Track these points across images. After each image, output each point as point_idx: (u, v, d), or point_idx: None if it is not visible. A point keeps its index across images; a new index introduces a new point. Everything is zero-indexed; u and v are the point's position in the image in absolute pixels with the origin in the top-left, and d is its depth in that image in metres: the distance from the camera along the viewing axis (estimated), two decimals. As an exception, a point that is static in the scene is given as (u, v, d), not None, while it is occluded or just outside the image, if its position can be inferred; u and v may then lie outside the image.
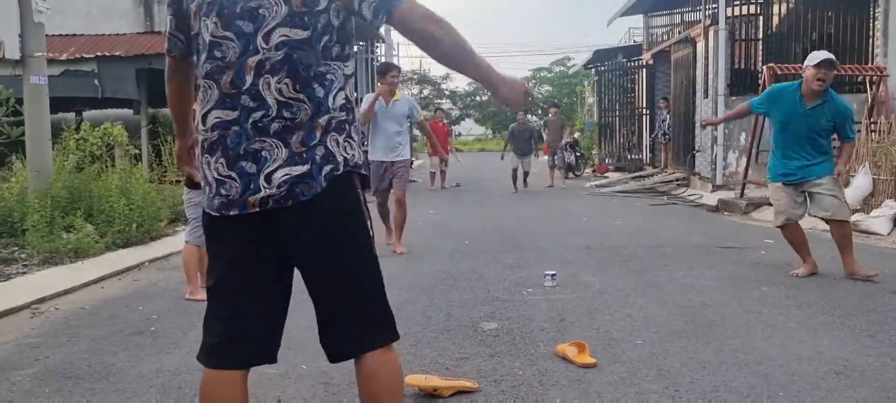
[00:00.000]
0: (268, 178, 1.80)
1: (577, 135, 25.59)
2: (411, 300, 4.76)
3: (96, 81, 12.68)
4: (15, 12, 7.36)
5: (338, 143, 1.85)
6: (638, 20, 20.99)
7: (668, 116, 16.60)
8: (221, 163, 1.85)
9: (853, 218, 7.99)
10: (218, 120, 1.85)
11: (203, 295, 4.59)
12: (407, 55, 74.92)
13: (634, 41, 23.50)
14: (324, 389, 3.09)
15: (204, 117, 1.89)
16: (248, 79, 1.81)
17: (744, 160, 11.59)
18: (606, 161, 20.32)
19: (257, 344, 1.93)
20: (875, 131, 9.24)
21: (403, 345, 3.24)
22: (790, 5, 13.73)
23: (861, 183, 8.33)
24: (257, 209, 1.82)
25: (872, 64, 11.85)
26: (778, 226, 5.60)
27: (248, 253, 1.89)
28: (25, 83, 7.44)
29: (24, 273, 5.64)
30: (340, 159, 1.85)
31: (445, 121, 16.86)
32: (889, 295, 4.78)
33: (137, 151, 10.67)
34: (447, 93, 56.13)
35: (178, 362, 3.53)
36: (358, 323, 1.90)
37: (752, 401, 2.90)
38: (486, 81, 1.93)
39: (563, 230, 8.52)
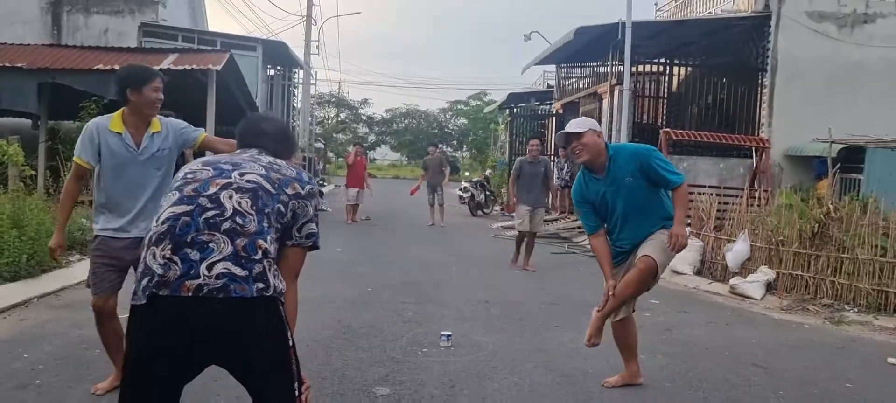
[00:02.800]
0: (209, 268, 1.97)
1: (488, 172, 26.19)
2: (309, 356, 4.84)
3: (-7, 92, 12.10)
4: None
5: (274, 274, 2.11)
6: (552, 66, 21.85)
7: (567, 165, 17.29)
8: (168, 249, 2.00)
9: (731, 281, 8.65)
10: (171, 214, 2.04)
11: None
12: (325, 79, 74.48)
13: (548, 85, 24.37)
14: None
15: (159, 217, 2.08)
16: (212, 190, 2.07)
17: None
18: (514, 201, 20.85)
19: None
20: (755, 199, 10.00)
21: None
22: (688, 70, 14.69)
23: (740, 248, 8.99)
24: (190, 294, 1.96)
25: (758, 134, 12.84)
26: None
27: (160, 347, 2.03)
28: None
29: None
30: (272, 285, 2.10)
31: (362, 156, 16.93)
32: (751, 367, 5.23)
33: (33, 172, 10.25)
34: (364, 117, 56.22)
35: (62, 424, 3.50)
36: None
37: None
38: None
39: (465, 280, 8.77)
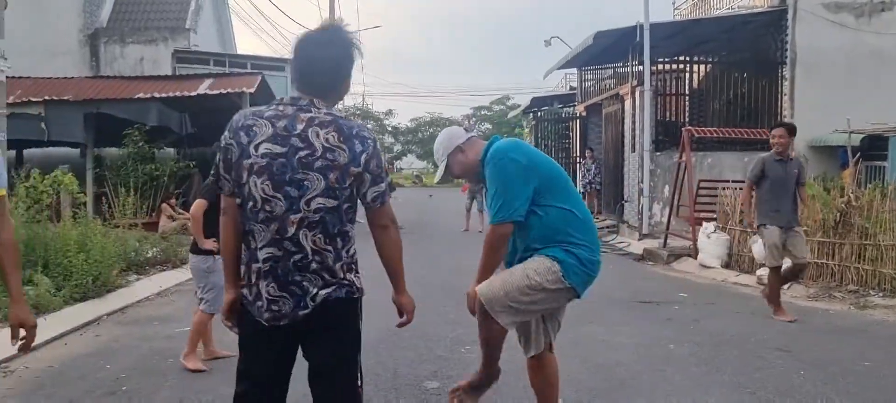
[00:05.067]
0: (313, 298, 2.44)
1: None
2: (363, 355, 5.25)
3: (43, 125, 12.78)
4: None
5: (355, 278, 2.54)
6: (574, 69, 22.14)
7: (593, 166, 17.60)
8: (273, 286, 2.44)
9: (758, 272, 8.92)
10: (269, 255, 2.43)
11: (198, 366, 5.00)
12: (349, 93, 75.22)
13: (571, 88, 24.66)
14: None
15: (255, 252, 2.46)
16: (291, 230, 2.41)
17: (667, 211, 12.51)
18: (542, 204, 21.17)
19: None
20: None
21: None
22: (707, 67, 14.92)
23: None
24: (301, 317, 2.45)
25: (780, 126, 13.03)
26: None
27: (272, 369, 2.55)
28: (-16, 139, 7.67)
29: (-12, 330, 5.89)
30: (357, 287, 2.54)
31: (388, 165, 17.39)
32: (775, 351, 5.54)
33: (85, 200, 10.86)
34: (390, 128, 56.85)
35: (153, 423, 3.95)
36: None
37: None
38: (400, 281, 2.72)
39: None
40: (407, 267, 2.70)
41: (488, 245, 3.28)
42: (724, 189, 11.03)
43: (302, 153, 2.37)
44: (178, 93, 13.33)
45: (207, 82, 14.08)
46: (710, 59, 14.99)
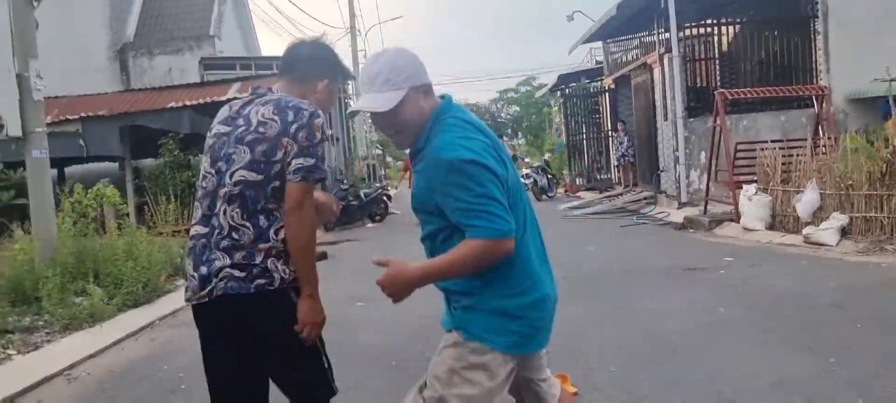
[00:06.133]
0: (217, 275, 2.32)
1: (546, 155, 26.41)
2: (408, 343, 5.29)
3: (81, 141, 13.07)
4: (14, 90, 7.80)
5: (276, 266, 2.31)
6: (599, 42, 21.89)
7: (626, 139, 17.42)
8: (190, 263, 2.40)
9: (804, 231, 8.76)
10: (196, 232, 2.40)
11: None
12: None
13: (596, 61, 24.38)
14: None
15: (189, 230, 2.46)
16: (217, 205, 2.35)
17: (705, 177, 12.34)
18: (577, 181, 21.09)
19: None
20: (818, 147, 10.01)
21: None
22: (736, 28, 14.63)
23: (809, 197, 9.07)
24: (206, 299, 2.34)
25: (816, 82, 12.74)
26: None
27: (209, 337, 2.47)
28: (28, 157, 7.87)
29: (49, 340, 6.07)
30: (277, 278, 2.30)
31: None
32: (828, 308, 5.45)
33: (128, 211, 11.09)
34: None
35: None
36: None
37: (708, 416, 3.51)
38: (305, 282, 2.34)
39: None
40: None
41: (469, 255, 2.05)
42: (762, 150, 10.83)
43: (239, 130, 2.36)
44: (208, 100, 13.52)
45: (235, 86, 14.27)
46: (739, 20, 14.69)
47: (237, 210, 2.29)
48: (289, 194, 2.28)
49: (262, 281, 2.29)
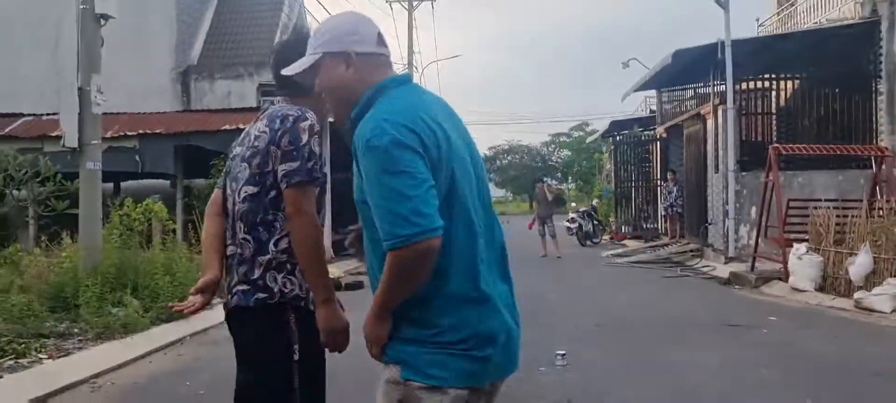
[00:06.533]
0: (231, 287, 2.38)
1: (595, 201, 26.11)
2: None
3: (137, 157, 13.48)
4: (75, 103, 8.10)
5: (276, 279, 2.30)
6: (653, 91, 21.68)
7: (675, 188, 17.09)
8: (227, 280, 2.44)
9: (855, 295, 8.38)
10: (228, 252, 2.43)
11: None
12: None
13: (650, 110, 24.14)
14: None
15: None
16: (232, 224, 2.40)
17: (755, 233, 11.96)
18: (624, 229, 20.75)
19: None
20: (875, 210, 9.61)
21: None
22: (795, 84, 14.29)
23: (863, 260, 8.68)
24: (225, 311, 2.42)
25: (876, 142, 12.31)
26: None
27: (234, 345, 2.46)
28: (82, 168, 8.15)
29: (81, 348, 6.18)
30: (277, 291, 2.30)
31: None
32: (872, 377, 5.15)
33: (175, 227, 11.33)
34: (467, 157, 57.10)
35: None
36: None
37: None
38: (315, 290, 2.26)
39: (577, 305, 8.96)
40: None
41: (395, 270, 1.73)
42: (815, 208, 10.46)
43: (243, 148, 2.41)
44: (261, 124, 13.78)
45: (289, 113, 14.53)
46: (798, 76, 14.35)
47: (243, 225, 2.34)
48: (286, 202, 2.26)
49: (262, 294, 2.31)
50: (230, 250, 2.40)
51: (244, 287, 2.31)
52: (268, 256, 2.30)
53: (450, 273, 1.76)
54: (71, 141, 7.99)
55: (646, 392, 4.85)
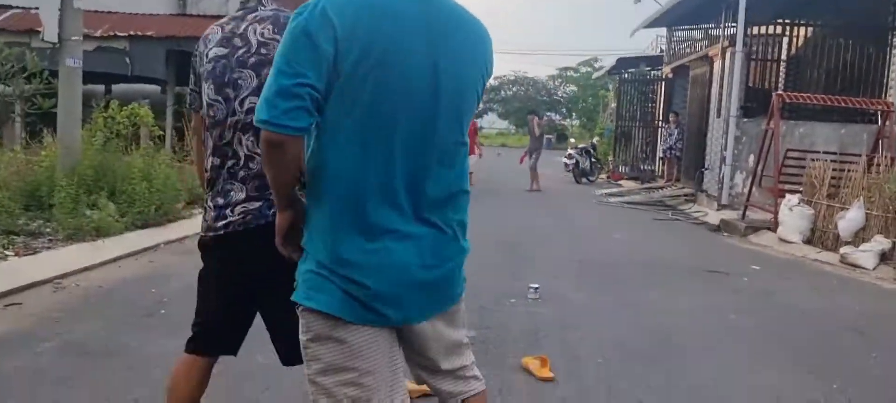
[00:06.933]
0: (232, 209, 2.19)
1: (595, 139, 25.82)
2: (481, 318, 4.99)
3: (127, 59, 13.16)
4: (56, -3, 7.79)
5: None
6: (664, 28, 21.12)
7: (676, 131, 16.82)
8: (209, 195, 2.26)
9: (842, 250, 8.28)
10: (210, 164, 2.26)
11: None
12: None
13: (661, 50, 23.59)
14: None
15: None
16: (227, 135, 2.21)
17: (750, 181, 11.80)
18: (621, 169, 20.56)
19: (222, 339, 2.36)
20: (874, 166, 9.39)
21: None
22: (809, 32, 13.86)
23: (854, 216, 8.55)
24: (221, 232, 2.20)
25: (885, 97, 12.00)
26: None
27: (221, 271, 2.29)
28: (61, 65, 7.89)
29: (50, 247, 6.09)
30: None
31: (475, 120, 17.33)
32: (847, 332, 5.07)
33: (162, 133, 11.14)
34: (472, 85, 56.35)
35: (182, 344, 3.93)
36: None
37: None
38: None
39: (561, 242, 8.86)
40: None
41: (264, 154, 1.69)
42: (813, 159, 10.25)
43: (240, 52, 2.20)
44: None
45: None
46: (812, 23, 13.90)
47: (252, 138, 2.16)
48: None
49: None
50: (212, 161, 2.23)
51: (256, 204, 2.17)
52: None
53: (329, 194, 1.67)
54: (50, 35, 7.72)
55: (616, 330, 4.77)
